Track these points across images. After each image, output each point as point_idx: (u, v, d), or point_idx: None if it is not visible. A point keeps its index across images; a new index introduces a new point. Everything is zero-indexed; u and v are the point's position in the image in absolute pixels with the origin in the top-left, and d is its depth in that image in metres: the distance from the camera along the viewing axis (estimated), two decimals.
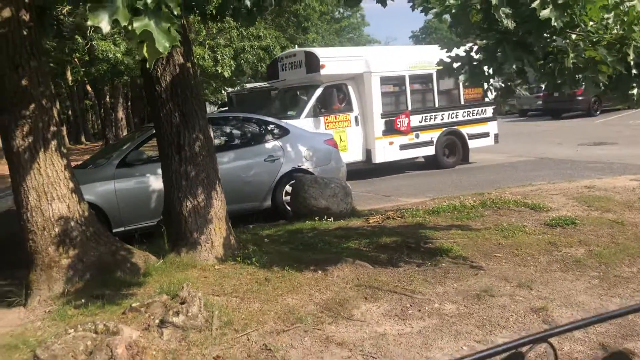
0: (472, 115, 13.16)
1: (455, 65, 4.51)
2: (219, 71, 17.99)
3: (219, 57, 17.92)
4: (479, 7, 4.04)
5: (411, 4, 4.55)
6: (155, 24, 2.48)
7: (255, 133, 8.73)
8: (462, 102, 13.08)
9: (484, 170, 11.80)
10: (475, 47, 4.47)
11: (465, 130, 13.02)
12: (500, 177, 10.53)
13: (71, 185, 4.80)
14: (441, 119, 12.72)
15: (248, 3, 6.00)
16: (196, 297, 3.90)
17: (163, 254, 5.21)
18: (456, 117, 12.92)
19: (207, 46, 17.83)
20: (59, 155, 4.75)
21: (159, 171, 6.81)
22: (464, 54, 4.51)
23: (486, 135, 13.38)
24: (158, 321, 3.72)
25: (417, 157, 13.03)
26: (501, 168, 11.98)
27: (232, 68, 18.47)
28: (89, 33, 16.51)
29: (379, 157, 11.93)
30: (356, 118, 11.97)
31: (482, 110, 13.29)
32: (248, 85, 23.40)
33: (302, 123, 10.91)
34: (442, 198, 8.10)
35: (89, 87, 31.74)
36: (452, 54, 4.58)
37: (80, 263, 4.67)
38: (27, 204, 4.64)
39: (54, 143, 4.71)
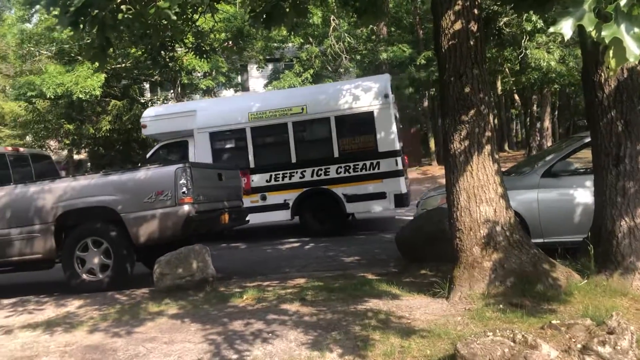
0: (354, 171, 10.76)
1: None
2: None
3: None
4: None
5: None
6: (625, 29, 2.22)
7: None
8: (337, 155, 10.89)
9: None
10: None
11: (341, 190, 10.79)
12: None
13: (499, 190, 4.88)
14: (301, 177, 10.83)
15: None
16: (627, 330, 3.41)
17: (587, 274, 4.78)
18: (326, 175, 10.84)
19: None
20: (491, 160, 4.89)
21: (587, 184, 6.35)
22: None
23: (381, 196, 10.73)
24: (580, 346, 3.40)
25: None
26: None
27: None
28: (524, 42, 16.74)
29: None
30: None
31: (373, 163, 10.70)
32: None
33: None
34: None
35: (516, 96, 32.41)
36: None
37: (501, 268, 4.71)
38: (458, 203, 4.94)
39: (487, 148, 4.88)
